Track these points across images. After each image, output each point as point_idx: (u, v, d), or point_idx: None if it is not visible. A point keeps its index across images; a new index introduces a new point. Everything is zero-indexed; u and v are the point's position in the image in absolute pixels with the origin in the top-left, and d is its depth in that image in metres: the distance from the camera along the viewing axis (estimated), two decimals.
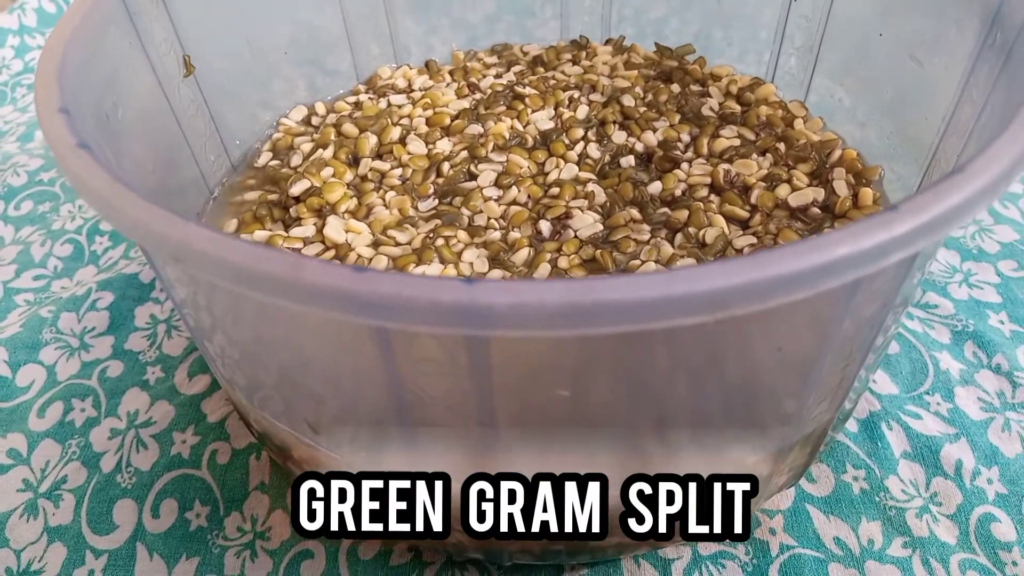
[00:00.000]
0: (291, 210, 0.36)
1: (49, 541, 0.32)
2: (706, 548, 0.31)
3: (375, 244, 0.34)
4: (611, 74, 0.44)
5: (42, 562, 0.31)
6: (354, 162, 0.38)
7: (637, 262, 0.33)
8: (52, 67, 0.25)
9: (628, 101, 0.41)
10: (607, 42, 0.47)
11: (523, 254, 0.33)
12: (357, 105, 0.43)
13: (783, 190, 0.35)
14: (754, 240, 0.33)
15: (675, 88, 0.42)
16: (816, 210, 0.35)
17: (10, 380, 0.37)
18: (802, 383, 0.24)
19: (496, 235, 0.34)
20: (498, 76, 0.45)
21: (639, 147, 0.38)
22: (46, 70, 0.25)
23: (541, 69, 0.45)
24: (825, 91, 0.40)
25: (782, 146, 0.38)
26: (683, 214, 0.34)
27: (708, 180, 0.36)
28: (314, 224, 0.35)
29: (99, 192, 0.20)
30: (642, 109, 0.41)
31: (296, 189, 0.35)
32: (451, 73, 0.45)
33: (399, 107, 0.42)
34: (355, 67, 0.45)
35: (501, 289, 0.17)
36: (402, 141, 0.39)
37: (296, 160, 0.39)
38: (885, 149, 0.37)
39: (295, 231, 0.34)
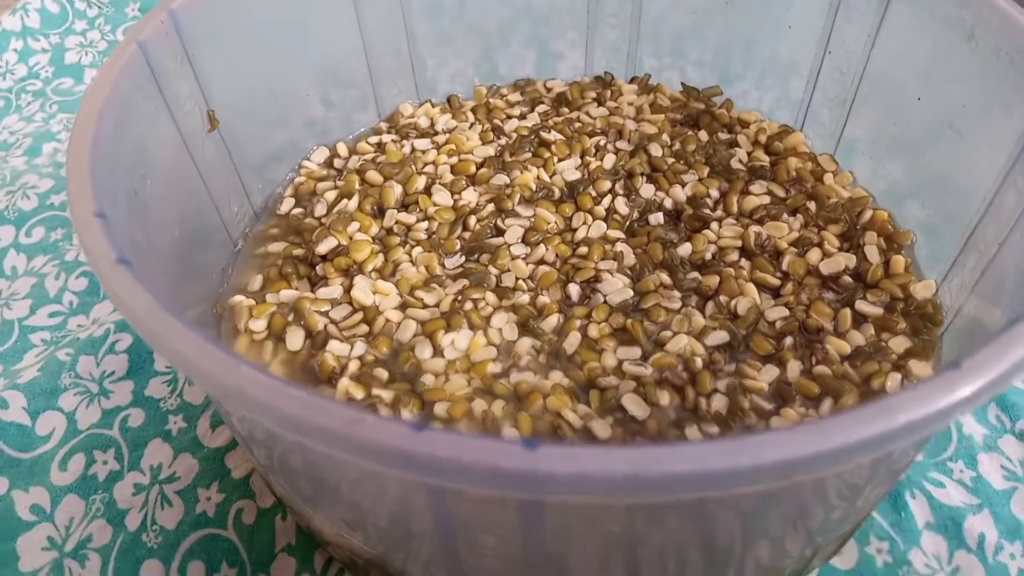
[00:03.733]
0: (317, 268, 0.35)
1: None
2: None
3: (403, 306, 0.34)
4: (637, 116, 0.43)
5: None
6: (379, 213, 0.38)
7: (669, 333, 0.32)
8: (84, 154, 0.24)
9: (655, 151, 0.40)
10: (632, 80, 0.47)
11: (552, 320, 0.33)
12: (380, 146, 0.42)
13: (814, 255, 0.35)
14: (786, 313, 0.33)
15: (703, 136, 0.42)
16: (848, 278, 0.34)
17: (30, 429, 0.37)
18: (839, 522, 0.24)
19: (525, 298, 0.34)
20: (522, 117, 0.44)
21: (668, 203, 0.38)
22: (78, 157, 0.24)
23: (566, 109, 0.44)
24: (858, 146, 0.40)
25: (812, 205, 0.38)
26: (714, 280, 0.34)
27: (739, 243, 0.36)
28: (341, 284, 0.34)
29: (144, 322, 0.20)
30: (670, 160, 0.40)
31: (323, 248, 0.35)
32: (474, 111, 0.44)
33: (423, 152, 0.41)
34: (376, 104, 0.44)
35: (563, 456, 0.17)
36: (427, 191, 0.39)
37: (320, 209, 0.38)
38: (918, 213, 0.36)
39: (322, 292, 0.34)
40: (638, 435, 0.29)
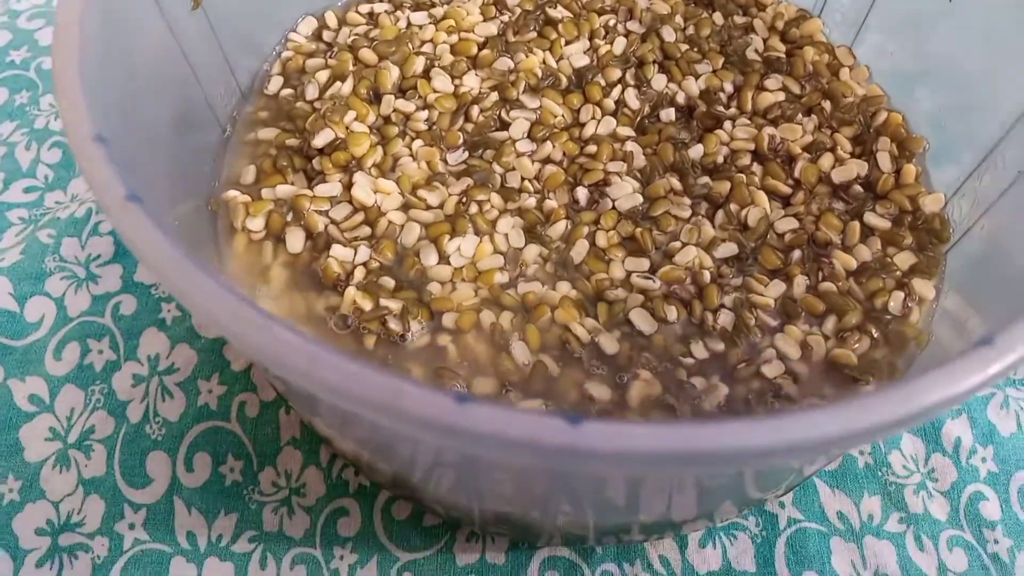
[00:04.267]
0: (314, 161, 0.33)
1: (86, 493, 0.33)
2: (719, 520, 0.33)
3: (405, 206, 0.33)
4: None
5: (81, 514, 0.32)
6: (375, 98, 0.36)
7: (678, 244, 0.32)
8: (72, 72, 0.22)
9: (668, 35, 0.38)
10: None
11: (560, 227, 0.33)
12: (371, 17, 0.39)
13: (826, 161, 0.34)
14: (796, 224, 0.33)
15: (717, 18, 0.39)
16: (858, 188, 0.34)
17: (19, 315, 0.36)
18: None
19: (531, 201, 0.33)
20: None
21: (680, 97, 0.36)
22: (66, 74, 0.22)
23: None
24: (878, 41, 0.38)
25: (827, 104, 0.36)
26: (725, 187, 0.33)
27: (751, 146, 0.35)
28: (340, 180, 0.33)
29: (166, 274, 0.19)
30: (683, 47, 0.38)
31: (320, 140, 0.33)
32: None
33: (419, 28, 0.38)
34: None
35: (604, 433, 0.17)
36: (426, 74, 0.36)
37: (311, 92, 0.36)
38: (933, 118, 0.35)
39: (320, 189, 0.33)
40: (644, 350, 0.30)
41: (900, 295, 0.31)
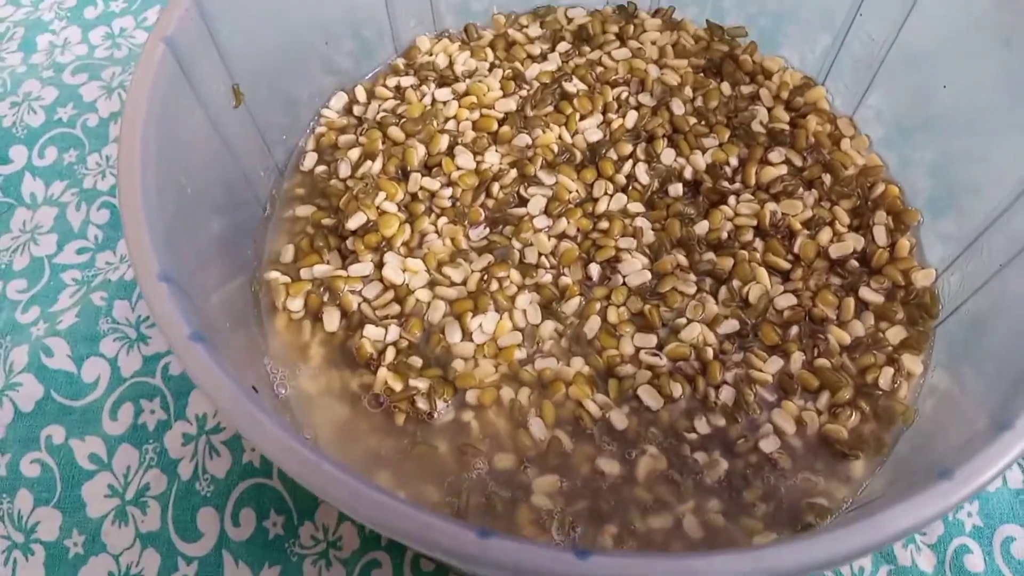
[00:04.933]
0: (347, 240, 0.36)
1: (143, 547, 0.36)
2: None
3: (431, 284, 0.36)
4: (659, 60, 0.43)
5: (139, 567, 0.36)
6: (403, 175, 0.38)
7: (683, 320, 0.35)
8: (138, 211, 0.25)
9: (677, 108, 0.40)
10: (655, 13, 0.45)
11: (574, 303, 0.35)
12: (398, 91, 0.42)
13: (825, 235, 0.37)
14: (794, 301, 0.35)
15: (725, 88, 0.42)
16: (854, 262, 0.36)
17: (76, 376, 0.40)
18: None
19: (547, 277, 0.36)
20: (543, 57, 0.43)
21: (687, 172, 0.39)
22: (134, 214, 0.25)
23: (587, 48, 0.43)
24: (877, 113, 0.40)
25: (827, 178, 0.38)
26: (728, 263, 0.36)
27: (754, 222, 0.37)
28: (371, 260, 0.36)
29: (226, 408, 0.21)
30: (691, 120, 0.40)
31: (353, 224, 0.36)
32: (492, 46, 0.43)
33: (443, 104, 0.41)
34: (394, 39, 0.43)
35: (609, 565, 0.19)
36: (450, 151, 0.39)
37: (344, 170, 0.38)
38: (928, 193, 0.37)
39: (354, 269, 0.35)
40: (651, 425, 0.32)
41: (890, 371, 0.33)
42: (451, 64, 0.43)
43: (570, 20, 0.45)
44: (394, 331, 0.34)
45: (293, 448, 0.21)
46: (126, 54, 0.52)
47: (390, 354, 0.33)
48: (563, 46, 0.44)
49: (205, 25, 0.31)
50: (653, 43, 0.44)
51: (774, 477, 0.31)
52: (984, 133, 0.34)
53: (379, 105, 0.41)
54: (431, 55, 0.43)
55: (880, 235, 0.37)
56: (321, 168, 0.39)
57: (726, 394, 0.33)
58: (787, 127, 0.40)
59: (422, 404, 0.32)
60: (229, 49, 0.33)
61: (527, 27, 0.45)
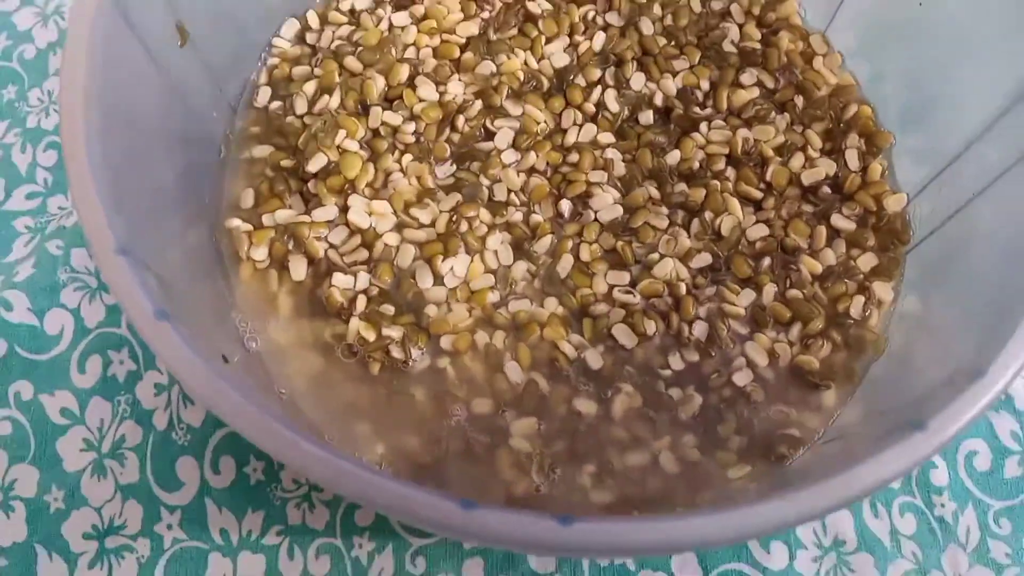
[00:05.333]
0: (309, 184, 0.35)
1: (124, 499, 0.36)
2: None
3: (399, 226, 0.35)
4: None
5: (122, 518, 0.36)
6: (363, 109, 0.37)
7: (656, 256, 0.34)
8: (84, 169, 0.23)
9: (646, 28, 0.39)
10: None
11: (546, 242, 0.35)
12: (352, 14, 0.39)
13: (797, 161, 0.36)
14: (766, 232, 0.35)
15: (695, 5, 0.40)
16: (826, 189, 0.36)
17: (39, 329, 0.39)
18: None
19: (518, 215, 0.35)
20: None
21: (658, 98, 0.38)
22: (80, 173, 0.23)
23: None
24: (851, 21, 0.38)
25: (799, 100, 0.38)
26: (700, 194, 0.35)
27: (726, 150, 0.36)
28: (335, 203, 0.35)
29: (196, 390, 0.21)
30: (661, 41, 0.39)
31: (313, 166, 0.35)
32: None
33: (402, 30, 0.38)
34: None
35: (592, 531, 0.20)
36: (411, 81, 0.37)
37: (300, 106, 0.37)
38: (901, 114, 0.37)
39: (318, 214, 0.34)
40: (626, 364, 0.33)
41: (861, 299, 0.34)
42: None
43: None
44: (364, 278, 0.33)
45: (266, 422, 0.21)
46: None
47: (361, 303, 0.33)
48: None
49: None
50: None
51: (747, 410, 0.32)
52: (961, 41, 0.33)
53: (333, 32, 0.39)
54: None
55: (852, 159, 0.36)
56: (276, 104, 0.37)
57: (699, 329, 0.33)
58: (759, 46, 0.39)
59: (397, 353, 0.32)
60: None
61: None
